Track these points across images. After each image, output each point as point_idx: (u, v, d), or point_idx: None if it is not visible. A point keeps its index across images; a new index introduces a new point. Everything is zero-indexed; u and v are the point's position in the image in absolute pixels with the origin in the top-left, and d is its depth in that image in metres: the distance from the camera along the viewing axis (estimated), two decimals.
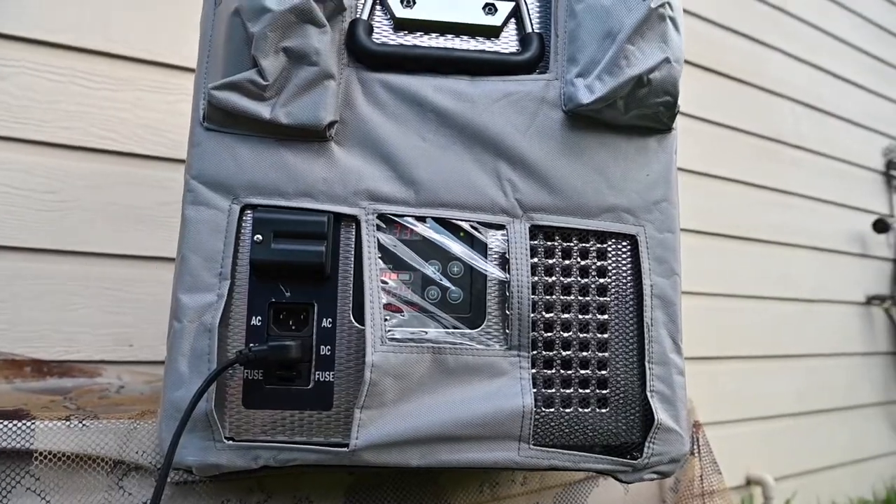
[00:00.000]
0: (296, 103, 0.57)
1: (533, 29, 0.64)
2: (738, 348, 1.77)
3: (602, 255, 0.63)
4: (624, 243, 0.63)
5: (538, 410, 0.60)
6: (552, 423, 0.61)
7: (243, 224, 0.57)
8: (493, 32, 0.63)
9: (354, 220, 0.59)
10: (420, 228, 0.60)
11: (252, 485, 0.66)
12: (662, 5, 0.59)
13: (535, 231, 0.61)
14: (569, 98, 0.61)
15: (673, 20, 0.60)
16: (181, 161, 1.09)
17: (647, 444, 0.60)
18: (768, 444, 1.79)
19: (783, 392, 1.86)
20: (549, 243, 0.62)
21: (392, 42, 0.62)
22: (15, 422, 0.60)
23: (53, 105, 1.02)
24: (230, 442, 0.56)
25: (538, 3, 0.65)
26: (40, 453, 0.59)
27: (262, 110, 0.56)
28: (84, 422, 0.62)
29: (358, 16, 0.62)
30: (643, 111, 0.61)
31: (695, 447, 0.92)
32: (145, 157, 1.09)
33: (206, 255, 0.56)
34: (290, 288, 0.58)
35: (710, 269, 1.72)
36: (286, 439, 0.57)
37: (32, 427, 0.60)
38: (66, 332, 1.01)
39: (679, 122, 0.64)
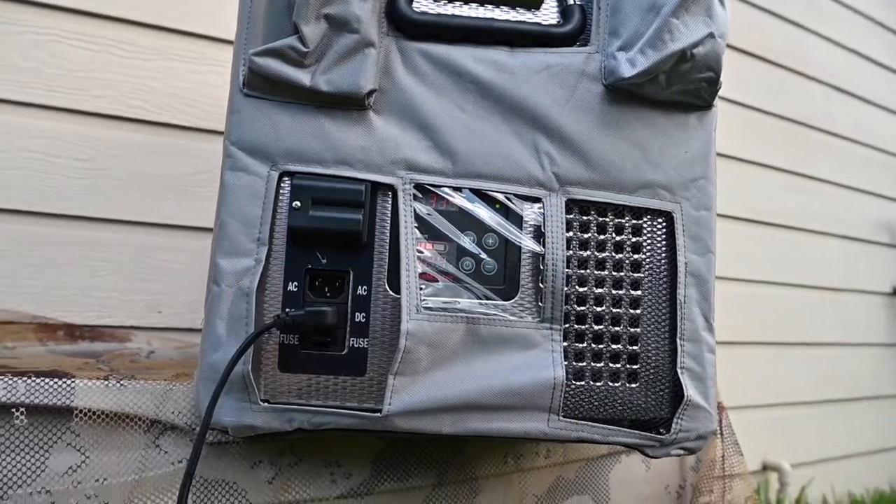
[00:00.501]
0: (336, 71, 0.57)
1: (574, 1, 0.63)
2: (760, 334, 1.76)
3: (637, 230, 0.62)
4: (659, 220, 0.62)
5: (568, 383, 0.60)
6: (582, 396, 0.61)
7: (281, 190, 0.58)
8: (533, 4, 0.63)
9: (391, 189, 0.59)
10: (456, 199, 0.60)
11: (283, 447, 0.67)
12: None
13: (570, 205, 0.61)
14: (609, 72, 0.61)
15: None
16: (209, 131, 1.10)
17: (675, 419, 0.61)
18: (786, 431, 1.79)
19: (803, 379, 1.85)
20: (585, 218, 0.62)
21: (432, 11, 0.62)
22: (56, 380, 0.61)
23: (87, 74, 1.03)
24: (265, 404, 0.57)
25: None
26: (80, 410, 0.61)
27: (303, 77, 0.56)
28: (122, 381, 0.63)
29: None
30: (685, 87, 0.60)
31: (718, 428, 0.92)
32: (175, 126, 1.09)
33: (245, 220, 0.57)
34: (327, 255, 0.58)
35: (735, 253, 1.71)
36: (320, 403, 0.58)
37: (73, 385, 0.61)
38: (97, 297, 1.03)
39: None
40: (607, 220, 0.62)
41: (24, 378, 0.60)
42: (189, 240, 1.09)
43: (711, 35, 0.58)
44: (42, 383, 0.60)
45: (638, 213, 0.62)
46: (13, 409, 0.59)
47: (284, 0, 0.56)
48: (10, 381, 0.60)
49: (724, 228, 1.69)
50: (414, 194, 0.59)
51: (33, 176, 1.00)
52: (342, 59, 0.57)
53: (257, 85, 0.57)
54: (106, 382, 0.62)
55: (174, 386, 0.64)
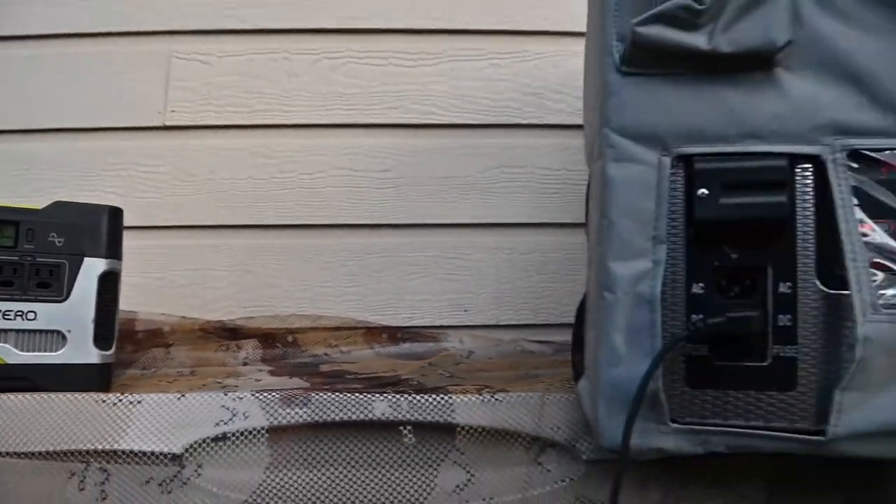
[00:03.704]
0: (740, 26, 0.47)
1: None
2: None
3: None
4: None
5: None
6: None
7: (675, 179, 0.50)
8: None
9: (816, 160, 0.48)
10: None
11: (670, 466, 0.60)
12: None
13: None
14: None
15: None
16: (493, 126, 1.07)
17: None
18: None
19: None
20: None
21: None
22: (435, 396, 0.60)
23: (378, 88, 1.06)
24: (675, 425, 0.50)
25: None
26: (462, 427, 0.59)
27: (699, 41, 0.48)
28: (496, 395, 0.60)
29: None
30: None
31: None
32: (462, 126, 1.08)
33: (638, 217, 0.50)
34: (737, 248, 0.49)
35: None
36: (741, 423, 0.49)
37: (451, 401, 0.59)
38: (408, 300, 1.05)
39: None
40: None
41: (406, 396, 0.60)
42: (483, 237, 1.08)
43: None
44: (424, 400, 0.59)
45: None
46: (400, 427, 0.59)
47: None
48: (394, 399, 0.60)
49: None
50: (848, 164, 0.47)
51: (342, 191, 1.05)
52: (746, 10, 0.47)
53: (641, 60, 0.50)
54: (481, 398, 0.60)
55: (548, 398, 0.60)
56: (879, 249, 0.47)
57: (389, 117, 1.06)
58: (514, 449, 0.59)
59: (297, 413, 0.60)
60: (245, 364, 0.88)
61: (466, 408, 0.59)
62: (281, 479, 0.59)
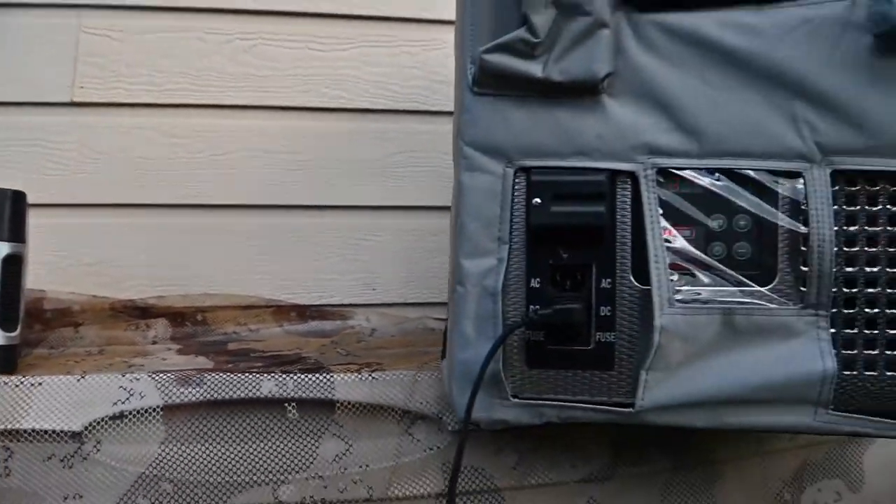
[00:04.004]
0: (569, 58, 0.54)
1: None
2: None
3: None
4: None
5: (838, 374, 0.55)
6: (852, 387, 0.56)
7: (517, 187, 0.57)
8: None
9: (632, 175, 0.56)
10: (702, 181, 0.56)
11: (524, 433, 0.68)
12: None
13: (835, 176, 0.55)
14: (882, 17, 0.52)
15: None
16: (404, 112, 1.12)
17: None
18: None
19: None
20: (851, 188, 0.55)
21: None
22: (317, 374, 0.66)
23: (291, 71, 1.08)
24: (515, 399, 0.58)
25: None
26: (341, 403, 0.66)
27: (535, 69, 0.55)
28: (373, 374, 0.67)
29: None
30: None
31: None
32: (371, 111, 1.12)
33: (485, 220, 0.57)
34: (568, 249, 0.57)
35: None
36: (570, 398, 0.58)
37: (332, 379, 0.66)
38: (318, 278, 1.10)
39: None
40: (878, 189, 0.55)
41: (292, 375, 0.66)
42: (393, 219, 1.13)
43: None
44: (307, 379, 0.66)
45: None
46: (286, 404, 0.66)
47: None
48: (281, 378, 0.66)
49: None
50: (657, 180, 0.56)
51: (253, 172, 1.08)
52: (574, 44, 0.54)
53: (488, 82, 0.56)
54: (359, 376, 0.67)
55: (420, 376, 0.68)
56: (678, 253, 0.55)
57: (300, 100, 1.09)
58: (387, 422, 0.67)
59: (190, 392, 0.65)
60: (154, 343, 0.93)
61: (345, 385, 0.66)
62: (175, 452, 0.65)
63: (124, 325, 0.96)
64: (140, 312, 0.99)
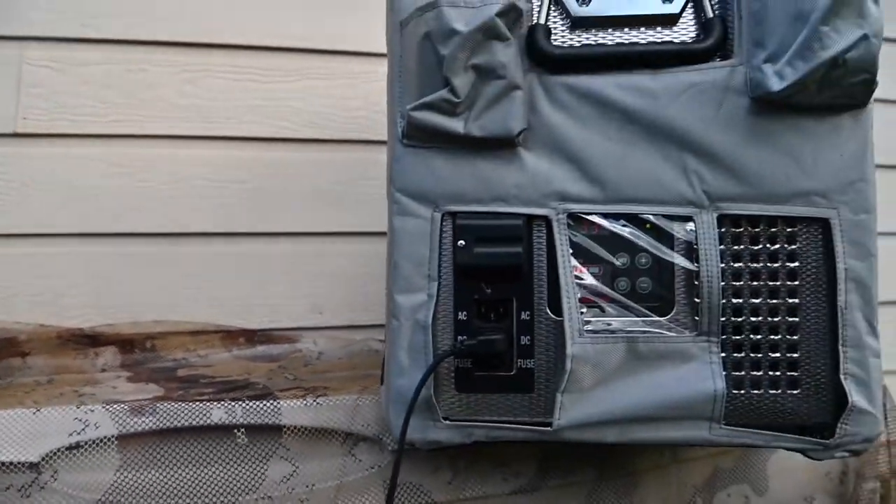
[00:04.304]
0: (486, 116, 0.61)
1: (714, 13, 0.63)
2: None
3: (792, 239, 0.63)
4: (815, 227, 0.62)
5: (728, 393, 0.63)
6: (742, 404, 0.63)
7: (444, 230, 0.63)
8: (670, 21, 0.63)
9: (545, 220, 0.63)
10: (608, 224, 0.63)
11: (459, 452, 0.74)
12: None
13: (721, 220, 0.63)
14: (756, 84, 0.61)
15: None
16: (346, 141, 1.17)
17: (839, 425, 0.62)
18: None
19: None
20: (736, 230, 0.63)
21: (572, 43, 0.64)
22: (265, 402, 0.71)
23: (236, 102, 1.13)
24: (447, 422, 0.64)
25: None
26: (288, 427, 0.71)
27: (457, 125, 0.61)
28: (318, 399, 0.72)
29: (535, 19, 0.64)
30: (837, 91, 0.59)
31: (884, 427, 0.91)
32: (316, 140, 1.17)
33: (416, 260, 0.63)
34: (491, 285, 0.63)
35: None
36: (496, 419, 0.64)
37: (279, 406, 0.71)
38: (268, 303, 1.14)
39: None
40: (759, 230, 0.63)
41: (241, 402, 0.71)
42: (341, 244, 1.18)
43: (865, 37, 0.57)
44: (255, 406, 0.71)
45: (792, 221, 0.63)
46: (235, 430, 0.70)
47: (434, 56, 0.61)
48: (230, 406, 0.71)
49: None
50: (567, 223, 0.63)
51: (203, 201, 1.11)
52: (491, 104, 0.61)
53: (415, 135, 0.63)
54: (305, 402, 0.72)
55: (361, 400, 0.73)
56: (587, 288, 0.63)
57: (246, 130, 1.13)
58: (332, 443, 0.72)
59: (144, 421, 0.69)
60: (104, 371, 0.95)
61: (291, 411, 0.71)
62: (130, 479, 0.68)
63: (73, 354, 0.98)
64: (89, 340, 1.01)
